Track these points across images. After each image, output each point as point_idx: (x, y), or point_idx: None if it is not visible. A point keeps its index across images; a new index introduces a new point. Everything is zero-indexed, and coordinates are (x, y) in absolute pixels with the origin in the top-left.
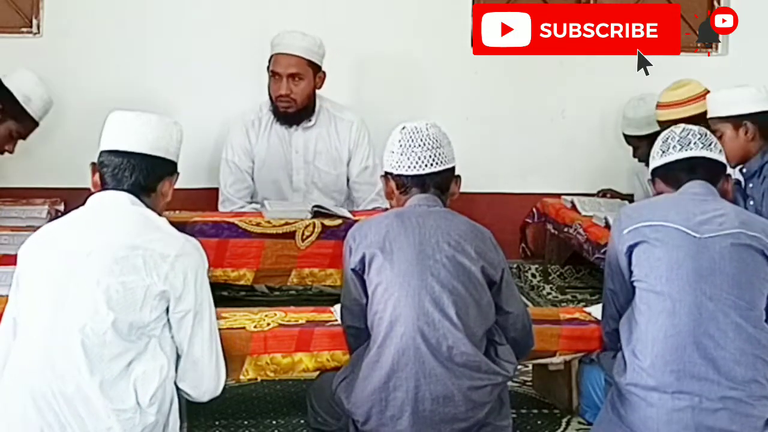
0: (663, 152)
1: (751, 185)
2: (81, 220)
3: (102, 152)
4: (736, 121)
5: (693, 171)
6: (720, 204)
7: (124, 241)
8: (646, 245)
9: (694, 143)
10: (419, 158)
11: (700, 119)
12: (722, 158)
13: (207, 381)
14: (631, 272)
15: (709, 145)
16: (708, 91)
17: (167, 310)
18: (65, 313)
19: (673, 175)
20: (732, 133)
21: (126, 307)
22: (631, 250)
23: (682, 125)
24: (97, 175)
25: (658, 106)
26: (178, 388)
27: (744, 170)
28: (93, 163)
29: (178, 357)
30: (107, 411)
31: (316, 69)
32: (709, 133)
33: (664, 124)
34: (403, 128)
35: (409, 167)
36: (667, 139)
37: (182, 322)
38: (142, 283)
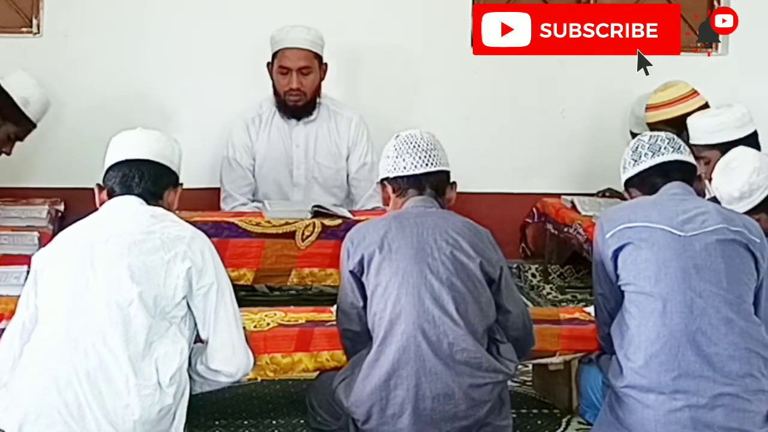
0: (635, 161)
1: None
2: (95, 221)
3: (108, 168)
4: (725, 148)
5: (667, 175)
6: (700, 202)
7: (140, 228)
8: (630, 248)
9: (665, 148)
10: (414, 159)
11: (685, 119)
12: (692, 160)
13: (239, 354)
14: (617, 276)
15: (679, 148)
16: (695, 91)
17: (187, 299)
18: (90, 292)
19: (648, 181)
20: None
21: (149, 282)
22: (616, 254)
23: (648, 133)
24: (103, 193)
25: (647, 108)
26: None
27: None
28: (98, 185)
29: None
30: (129, 386)
31: (320, 61)
32: (675, 137)
33: (655, 126)
34: (398, 136)
35: (404, 168)
36: (637, 148)
37: (207, 297)
38: (162, 261)
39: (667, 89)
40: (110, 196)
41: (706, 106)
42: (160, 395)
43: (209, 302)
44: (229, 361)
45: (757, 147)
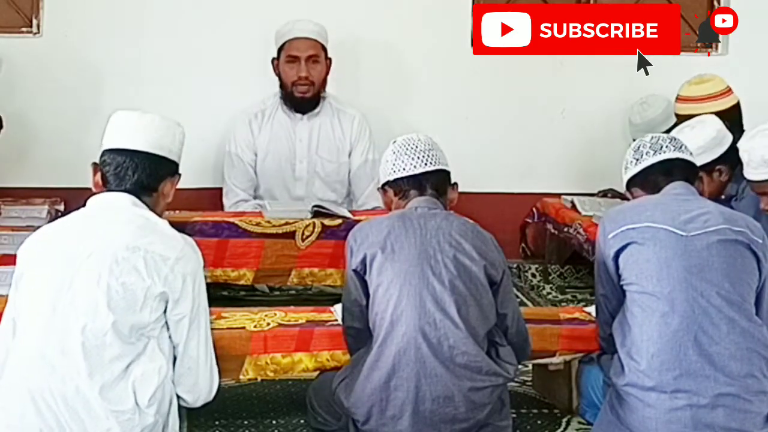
0: (637, 160)
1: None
2: (81, 222)
3: (104, 151)
4: (709, 167)
5: (670, 173)
6: (703, 203)
7: (125, 243)
8: (633, 248)
9: (666, 146)
10: (413, 159)
11: (720, 116)
12: (694, 159)
13: (202, 384)
14: (619, 276)
15: (681, 147)
16: (729, 89)
17: (165, 310)
18: (66, 314)
19: (650, 180)
20: (707, 178)
21: (126, 309)
22: (618, 254)
23: (650, 134)
24: (98, 175)
25: (678, 99)
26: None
27: (723, 197)
28: (94, 163)
29: (175, 359)
30: (106, 412)
31: (326, 53)
32: (676, 137)
33: (683, 118)
34: (395, 141)
35: (404, 169)
36: (639, 147)
37: (179, 325)
38: (143, 284)
39: (702, 83)
40: (104, 181)
41: (737, 106)
42: (140, 417)
43: (180, 330)
44: (190, 390)
45: (738, 156)
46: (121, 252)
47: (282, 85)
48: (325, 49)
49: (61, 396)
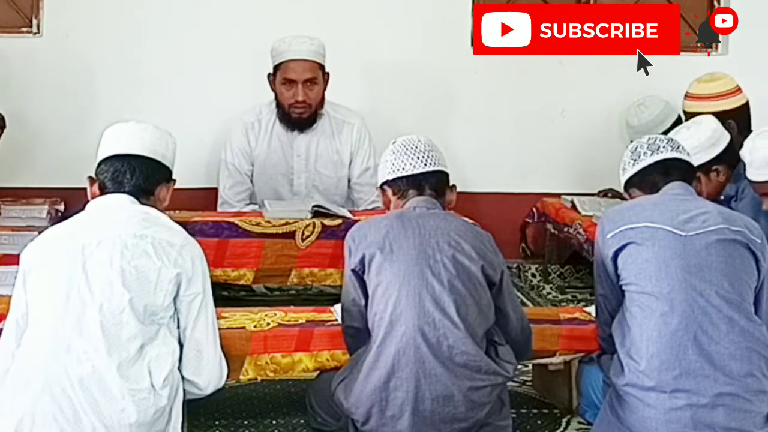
0: (635, 161)
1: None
2: (85, 220)
3: (100, 161)
4: (706, 168)
5: (668, 173)
6: (701, 203)
7: (132, 231)
8: (631, 248)
9: (664, 147)
10: (412, 160)
11: (728, 115)
12: (691, 160)
13: (211, 367)
14: (618, 276)
15: (678, 148)
16: (739, 87)
17: (175, 298)
18: (81, 298)
19: (648, 180)
20: (705, 179)
21: (140, 289)
22: (616, 254)
23: (647, 135)
24: (95, 186)
25: (688, 96)
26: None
27: (722, 197)
28: (90, 177)
29: (181, 347)
30: (122, 391)
31: (323, 71)
32: (674, 138)
33: (690, 116)
34: (395, 142)
35: (403, 169)
36: (636, 148)
37: (191, 305)
38: (154, 267)
39: (712, 82)
40: (102, 190)
41: (746, 106)
42: (155, 397)
43: (192, 311)
44: (200, 373)
45: (735, 156)
46: (129, 239)
47: (278, 104)
48: (322, 67)
49: (78, 377)
